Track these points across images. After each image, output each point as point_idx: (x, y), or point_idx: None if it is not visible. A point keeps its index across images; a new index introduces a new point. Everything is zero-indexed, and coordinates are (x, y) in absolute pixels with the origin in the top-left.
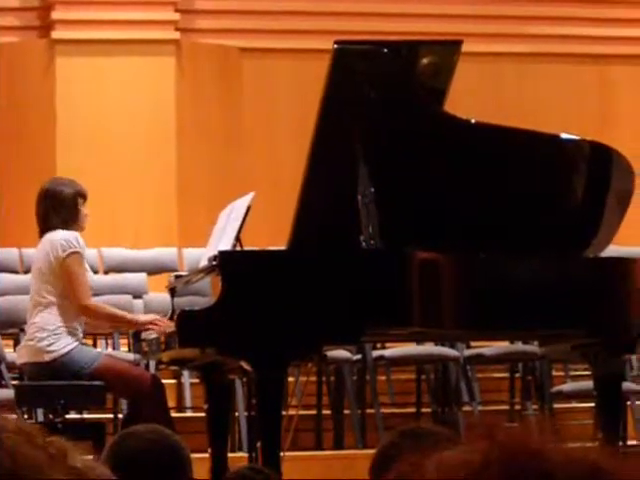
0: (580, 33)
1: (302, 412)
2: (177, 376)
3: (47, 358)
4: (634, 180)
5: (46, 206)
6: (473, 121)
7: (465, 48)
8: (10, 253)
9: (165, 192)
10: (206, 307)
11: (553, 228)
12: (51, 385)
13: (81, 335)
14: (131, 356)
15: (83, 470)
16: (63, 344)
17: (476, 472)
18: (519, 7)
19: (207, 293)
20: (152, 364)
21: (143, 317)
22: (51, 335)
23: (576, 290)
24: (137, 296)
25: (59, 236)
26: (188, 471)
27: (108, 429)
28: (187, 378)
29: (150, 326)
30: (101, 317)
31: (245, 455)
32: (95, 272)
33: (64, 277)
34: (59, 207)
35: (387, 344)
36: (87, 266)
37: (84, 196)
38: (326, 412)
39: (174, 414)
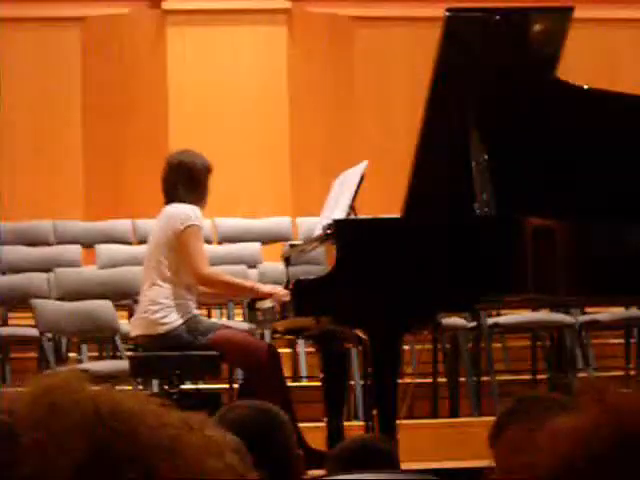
0: None
1: (418, 380)
2: (292, 345)
3: (161, 330)
4: None
5: (177, 178)
6: (586, 87)
7: (576, 14)
8: (124, 225)
9: (278, 161)
10: (321, 276)
11: None
12: (166, 356)
13: (194, 307)
14: (246, 325)
15: (238, 469)
16: (176, 317)
17: (586, 437)
18: None
19: (321, 262)
20: (267, 333)
21: (264, 287)
22: (164, 308)
23: None
24: (251, 266)
25: (179, 210)
26: (286, 437)
27: (224, 399)
28: (302, 347)
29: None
30: (220, 286)
31: (361, 424)
32: (209, 242)
33: (181, 249)
34: (190, 180)
35: (502, 311)
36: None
37: (211, 171)
38: (441, 380)
39: (289, 383)
